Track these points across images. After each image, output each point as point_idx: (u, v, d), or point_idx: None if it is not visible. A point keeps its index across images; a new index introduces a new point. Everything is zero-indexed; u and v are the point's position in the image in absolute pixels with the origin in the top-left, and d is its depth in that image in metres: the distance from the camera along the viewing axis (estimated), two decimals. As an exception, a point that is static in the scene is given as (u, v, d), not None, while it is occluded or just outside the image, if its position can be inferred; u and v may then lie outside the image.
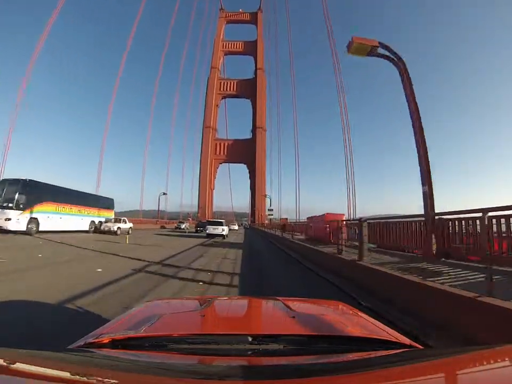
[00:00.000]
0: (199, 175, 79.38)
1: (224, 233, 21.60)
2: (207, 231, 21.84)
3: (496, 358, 0.75)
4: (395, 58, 6.98)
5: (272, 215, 33.82)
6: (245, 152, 79.98)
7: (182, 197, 73.16)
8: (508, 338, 2.41)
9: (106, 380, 0.61)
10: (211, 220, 27.96)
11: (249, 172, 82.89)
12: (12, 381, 0.58)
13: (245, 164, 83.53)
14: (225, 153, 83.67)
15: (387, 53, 7.04)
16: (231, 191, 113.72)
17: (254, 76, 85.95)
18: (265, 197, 36.51)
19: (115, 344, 0.92)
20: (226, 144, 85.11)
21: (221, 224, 22.20)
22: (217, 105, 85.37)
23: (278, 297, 1.65)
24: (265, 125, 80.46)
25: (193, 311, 1.40)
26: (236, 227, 45.97)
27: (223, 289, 5.49)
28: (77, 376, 0.62)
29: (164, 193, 43.99)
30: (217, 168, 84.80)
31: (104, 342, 0.93)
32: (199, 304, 1.56)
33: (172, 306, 1.61)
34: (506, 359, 0.73)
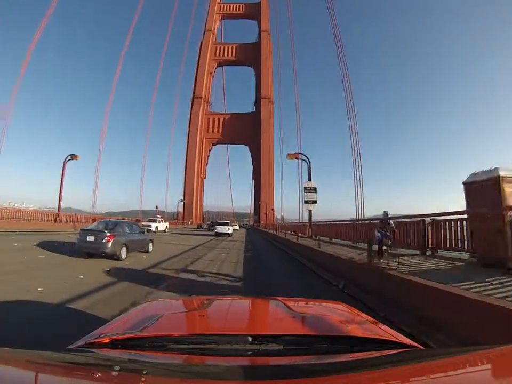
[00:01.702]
0: (185, 159, 60.24)
1: (229, 232, 27.72)
2: (215, 230, 27.59)
3: (496, 358, 0.77)
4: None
5: (315, 201, 14.85)
6: (246, 130, 62.03)
7: (142, 182, 51.54)
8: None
9: (107, 379, 0.63)
10: (220, 221, 33.06)
11: (252, 156, 64.08)
12: (12, 381, 0.60)
13: (246, 145, 65.02)
14: (221, 130, 65.02)
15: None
16: (230, 183, 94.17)
17: (257, 40, 67.80)
18: (297, 158, 16.68)
19: (115, 344, 0.94)
20: (222, 119, 67.24)
21: (227, 224, 29.02)
22: (211, 73, 67.57)
23: (278, 297, 1.68)
24: (272, 96, 62.07)
25: (193, 311, 1.45)
26: (237, 227, 48.57)
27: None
28: (77, 376, 0.64)
29: (72, 156, 24.03)
30: (210, 150, 65.85)
31: (104, 342, 0.95)
32: (199, 304, 1.61)
33: (172, 306, 1.62)
34: (506, 359, 0.75)
